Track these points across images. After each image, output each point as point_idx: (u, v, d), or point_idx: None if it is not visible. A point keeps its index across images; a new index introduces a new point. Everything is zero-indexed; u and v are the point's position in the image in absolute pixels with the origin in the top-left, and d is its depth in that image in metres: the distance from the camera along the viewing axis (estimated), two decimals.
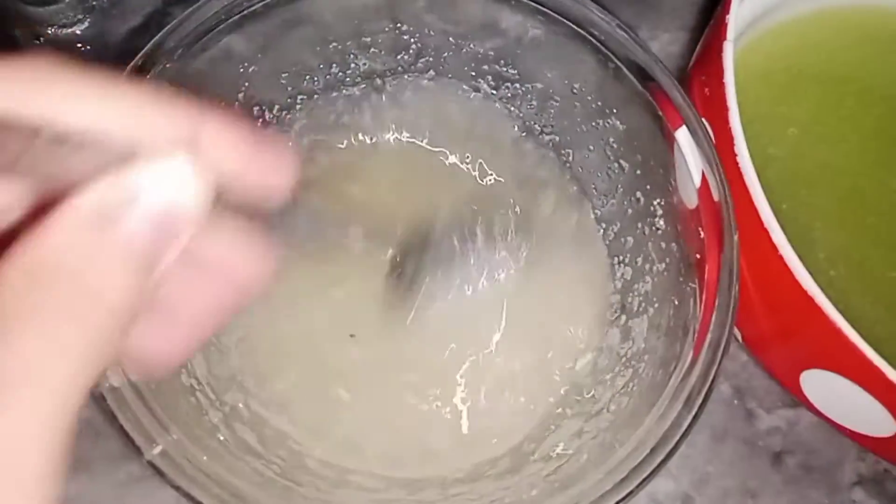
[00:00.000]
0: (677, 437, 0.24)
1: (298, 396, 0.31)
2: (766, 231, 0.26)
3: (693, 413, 0.24)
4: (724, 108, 0.27)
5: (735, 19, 0.29)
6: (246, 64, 0.31)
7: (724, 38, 0.28)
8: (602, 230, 0.33)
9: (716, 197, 0.26)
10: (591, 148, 0.33)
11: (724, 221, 0.26)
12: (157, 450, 0.22)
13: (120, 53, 0.40)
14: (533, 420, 0.30)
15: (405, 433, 0.30)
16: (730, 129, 0.27)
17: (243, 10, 0.29)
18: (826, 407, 0.29)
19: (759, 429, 0.36)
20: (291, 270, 0.30)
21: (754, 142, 0.37)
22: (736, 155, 0.27)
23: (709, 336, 0.25)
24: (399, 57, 0.34)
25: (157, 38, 0.28)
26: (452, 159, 0.35)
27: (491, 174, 0.35)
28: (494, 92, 0.34)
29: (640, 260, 0.31)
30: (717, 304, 0.25)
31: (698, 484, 0.35)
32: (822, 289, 0.34)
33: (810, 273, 0.34)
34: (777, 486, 0.35)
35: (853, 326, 0.33)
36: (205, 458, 0.23)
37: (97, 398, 0.23)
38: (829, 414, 0.30)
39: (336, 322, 0.32)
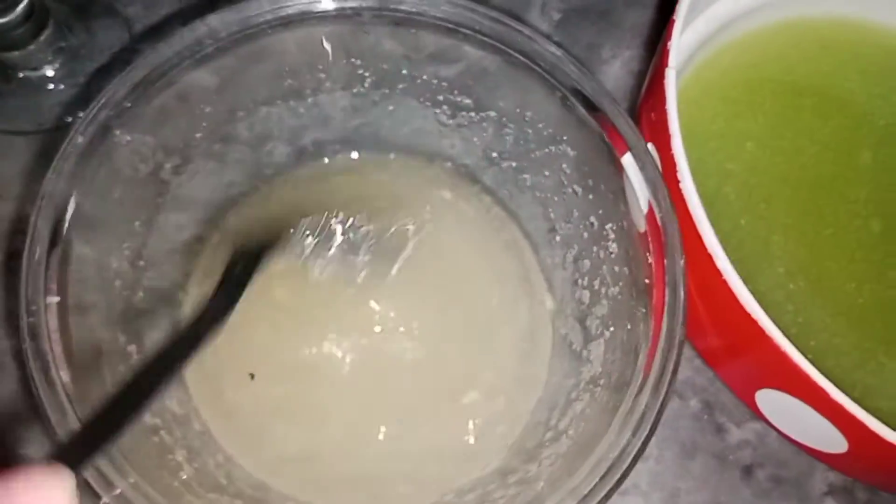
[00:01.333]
0: (631, 458, 0.24)
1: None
2: (710, 256, 0.26)
3: (645, 434, 0.24)
4: (668, 135, 0.28)
5: (678, 46, 0.30)
6: (202, 105, 0.31)
7: (666, 66, 0.29)
8: (565, 253, 0.34)
9: (660, 222, 0.27)
10: (547, 174, 0.33)
11: (668, 246, 0.26)
12: (116, 492, 0.23)
13: (90, 93, 0.41)
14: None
15: (368, 467, 0.30)
16: (672, 154, 0.28)
17: (202, 51, 0.30)
18: (782, 425, 0.30)
19: (728, 443, 0.36)
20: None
21: (712, 158, 0.38)
22: (678, 181, 0.27)
23: (657, 359, 0.25)
24: (354, 91, 0.34)
25: (120, 76, 0.28)
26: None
27: None
28: (451, 121, 0.35)
29: (596, 283, 0.31)
30: (663, 329, 0.25)
31: (669, 500, 0.35)
32: (782, 302, 0.34)
33: (770, 287, 0.35)
34: (748, 499, 0.36)
35: (813, 338, 0.34)
36: (164, 499, 0.24)
37: (56, 445, 0.23)
38: (786, 431, 0.30)
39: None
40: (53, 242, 0.26)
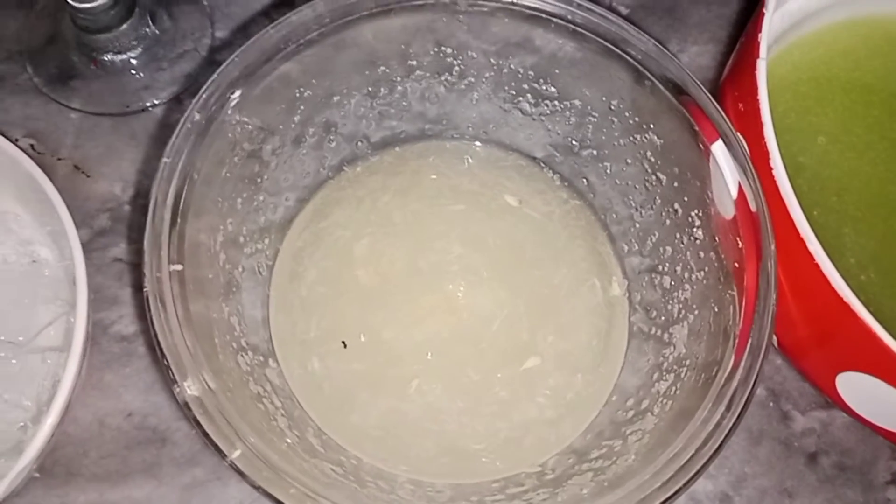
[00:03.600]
0: (720, 439, 0.25)
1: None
2: (801, 240, 0.27)
3: (735, 416, 0.25)
4: (759, 124, 0.29)
5: (767, 38, 0.31)
6: (301, 88, 0.32)
7: (758, 56, 0.30)
8: (645, 240, 0.35)
9: (753, 208, 0.28)
10: (629, 161, 0.34)
11: (762, 231, 0.27)
12: (237, 453, 0.24)
13: (172, 79, 0.43)
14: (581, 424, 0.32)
15: (448, 439, 0.32)
16: (764, 142, 0.29)
17: (305, 36, 0.31)
18: (861, 408, 0.31)
19: (794, 430, 0.37)
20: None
21: (785, 151, 0.38)
22: (771, 168, 0.28)
23: (749, 341, 0.26)
24: (443, 79, 0.35)
25: (225, 64, 0.29)
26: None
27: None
28: (534, 109, 0.36)
29: (679, 269, 0.32)
30: (756, 310, 0.26)
31: (736, 484, 0.36)
32: (854, 293, 0.35)
33: (842, 278, 0.35)
34: (813, 485, 0.36)
35: (885, 328, 0.35)
36: (277, 459, 0.25)
37: (182, 406, 0.24)
38: (865, 414, 0.31)
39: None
40: (174, 216, 0.27)
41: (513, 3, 0.32)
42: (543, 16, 0.32)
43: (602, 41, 0.31)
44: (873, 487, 0.37)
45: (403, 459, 0.32)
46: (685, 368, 0.29)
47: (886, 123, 0.40)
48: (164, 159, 0.28)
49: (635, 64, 0.31)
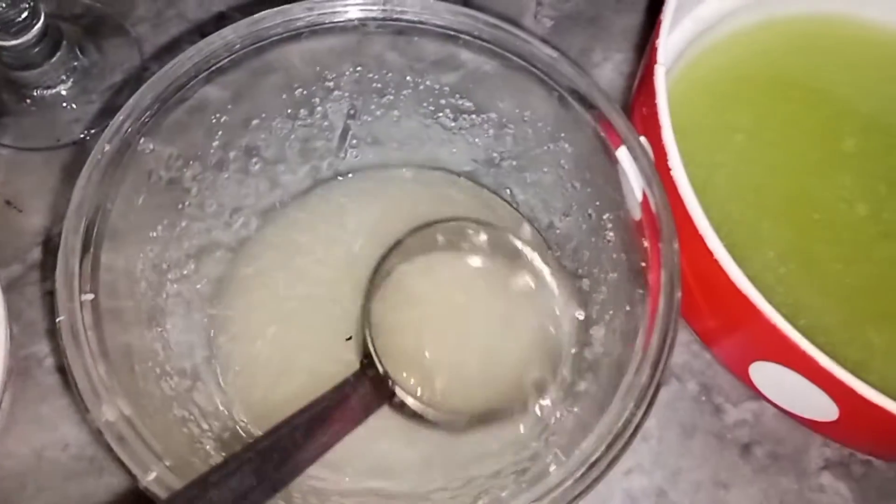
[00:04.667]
0: (633, 428, 0.26)
1: None
2: (701, 237, 0.28)
3: (642, 411, 0.26)
4: (659, 127, 0.30)
5: (666, 44, 0.32)
6: (218, 114, 0.33)
7: (655, 62, 0.31)
8: (565, 245, 0.35)
9: (654, 209, 0.29)
10: (546, 170, 0.35)
11: (663, 231, 0.28)
12: (151, 476, 0.24)
13: (103, 110, 0.43)
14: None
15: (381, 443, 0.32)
16: (664, 145, 0.29)
17: (217, 62, 0.32)
18: (775, 396, 0.31)
19: (726, 422, 0.38)
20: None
21: (703, 150, 0.40)
22: (670, 169, 0.29)
23: (654, 338, 0.27)
24: (361, 99, 0.36)
25: (143, 87, 0.30)
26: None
27: None
28: (454, 123, 0.37)
29: (596, 271, 0.33)
30: (660, 308, 0.27)
31: (671, 478, 0.37)
32: (773, 285, 0.36)
33: (760, 271, 0.36)
34: (747, 475, 0.37)
35: (803, 317, 0.36)
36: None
37: (94, 433, 0.25)
38: (780, 402, 0.32)
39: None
40: (85, 247, 0.27)
41: (421, 23, 0.33)
42: (452, 33, 0.33)
43: (509, 55, 0.32)
44: (807, 474, 0.37)
45: (341, 479, 0.32)
46: (602, 367, 0.30)
47: (802, 118, 0.41)
48: (75, 191, 0.28)
49: (542, 76, 0.32)
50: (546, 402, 0.32)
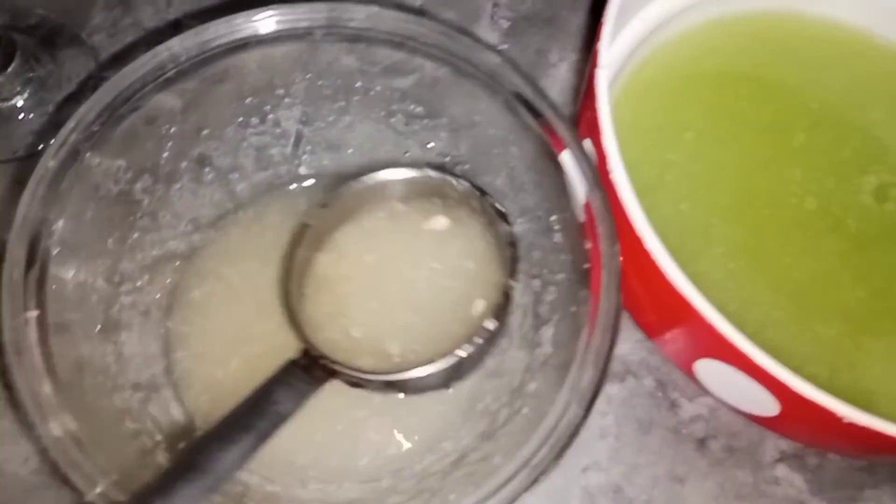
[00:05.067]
0: (575, 427, 0.27)
1: None
2: (639, 239, 0.28)
3: (584, 409, 0.26)
4: (599, 130, 0.30)
5: (609, 47, 0.32)
6: (167, 125, 0.33)
7: (596, 66, 0.31)
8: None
9: (595, 212, 0.29)
10: (497, 173, 0.35)
11: (604, 233, 0.29)
12: (97, 491, 0.25)
13: (59, 120, 0.43)
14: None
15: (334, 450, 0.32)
16: (604, 148, 0.30)
17: (164, 74, 0.32)
18: (720, 392, 0.32)
19: (682, 417, 0.38)
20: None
21: (653, 149, 0.40)
22: (609, 172, 0.29)
23: (594, 339, 0.27)
24: (313, 106, 0.36)
25: (88, 100, 0.30)
26: None
27: None
28: (406, 128, 0.37)
29: (545, 272, 0.33)
30: (600, 310, 0.28)
31: (628, 474, 0.37)
32: (722, 281, 0.37)
33: (710, 267, 0.37)
34: (703, 469, 0.38)
35: (753, 313, 0.36)
36: None
37: (39, 450, 0.25)
38: (725, 399, 0.32)
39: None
40: (30, 262, 0.28)
41: (368, 30, 0.33)
42: (399, 40, 0.33)
43: (457, 61, 0.33)
44: (762, 467, 0.38)
45: (294, 485, 0.33)
46: (549, 367, 0.31)
47: (752, 114, 0.41)
48: (20, 206, 0.28)
49: (489, 82, 0.32)
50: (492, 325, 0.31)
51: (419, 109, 0.36)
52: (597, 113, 0.30)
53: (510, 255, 0.32)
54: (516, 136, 0.33)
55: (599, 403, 0.38)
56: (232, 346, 0.35)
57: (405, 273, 0.34)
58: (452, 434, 0.33)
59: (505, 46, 0.47)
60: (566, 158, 0.30)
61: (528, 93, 0.31)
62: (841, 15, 0.44)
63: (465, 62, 0.33)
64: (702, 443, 0.38)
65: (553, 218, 0.32)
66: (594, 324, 0.28)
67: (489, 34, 0.48)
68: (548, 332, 0.32)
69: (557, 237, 0.32)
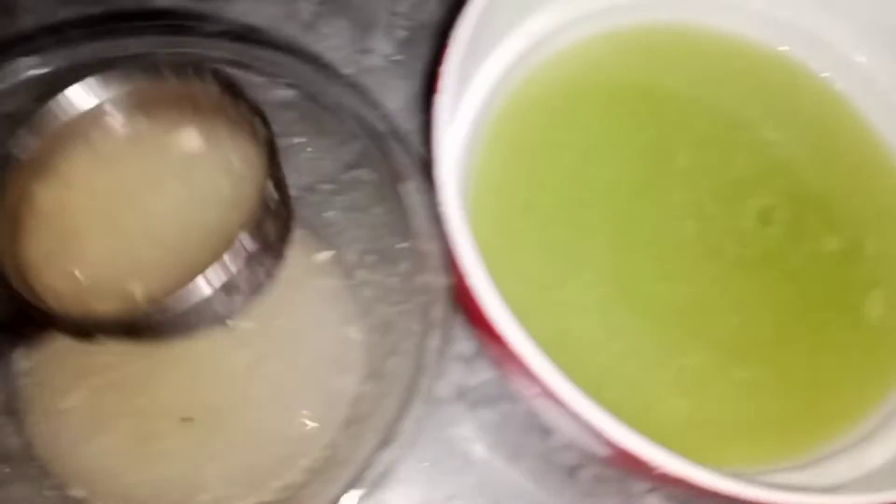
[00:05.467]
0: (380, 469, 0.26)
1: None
2: (464, 274, 0.27)
3: (397, 444, 0.26)
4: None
5: (456, 69, 0.31)
6: None
7: (434, 91, 0.30)
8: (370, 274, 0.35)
9: (430, 243, 0.28)
10: (353, 199, 0.34)
11: (437, 265, 0.28)
12: None
13: None
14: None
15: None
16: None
17: None
18: (560, 430, 0.31)
19: (553, 445, 0.38)
20: None
21: (527, 171, 0.39)
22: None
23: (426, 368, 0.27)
24: None
25: None
26: None
27: None
28: None
29: (394, 299, 0.33)
30: (430, 343, 0.27)
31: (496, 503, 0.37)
32: (589, 308, 0.36)
33: (578, 293, 0.36)
34: (573, 498, 0.37)
35: (618, 341, 0.36)
36: None
37: None
38: (568, 437, 0.31)
39: None
40: None
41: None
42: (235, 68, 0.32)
43: (307, 89, 0.32)
44: (632, 496, 0.37)
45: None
46: (391, 398, 0.30)
47: (634, 134, 0.40)
48: None
49: (334, 109, 0.31)
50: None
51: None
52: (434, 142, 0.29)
53: (268, 159, 0.28)
54: (366, 162, 0.32)
55: (469, 430, 0.37)
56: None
57: (148, 203, 0.29)
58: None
59: (399, 57, 0.46)
60: (407, 190, 0.30)
61: (372, 121, 0.31)
62: (737, 28, 0.43)
63: (313, 90, 0.32)
64: (573, 471, 0.37)
65: (399, 247, 0.31)
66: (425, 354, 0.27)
67: (384, 45, 0.47)
68: (393, 364, 0.31)
69: (402, 266, 0.31)
